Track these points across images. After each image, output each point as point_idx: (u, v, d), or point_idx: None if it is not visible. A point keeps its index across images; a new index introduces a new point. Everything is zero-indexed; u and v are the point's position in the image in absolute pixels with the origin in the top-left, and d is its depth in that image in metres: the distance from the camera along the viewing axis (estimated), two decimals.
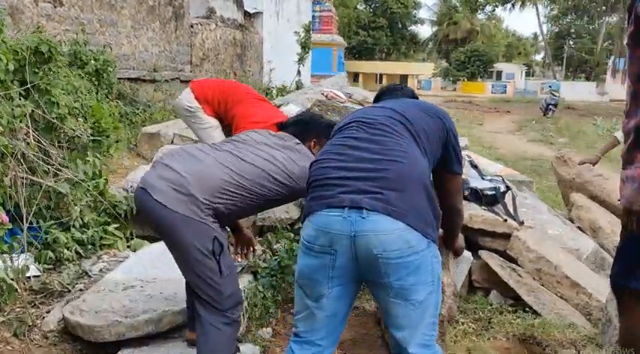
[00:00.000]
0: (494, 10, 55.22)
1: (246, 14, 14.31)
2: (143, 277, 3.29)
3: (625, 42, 2.05)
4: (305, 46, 15.05)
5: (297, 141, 2.61)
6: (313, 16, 23.34)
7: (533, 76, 66.36)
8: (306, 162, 2.39)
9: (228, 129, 3.95)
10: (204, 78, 11.23)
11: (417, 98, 2.54)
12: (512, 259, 4.09)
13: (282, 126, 3.49)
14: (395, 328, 1.95)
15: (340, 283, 1.97)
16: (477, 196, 4.26)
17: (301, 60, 14.90)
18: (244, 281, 3.57)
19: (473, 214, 4.19)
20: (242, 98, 4.00)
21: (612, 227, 4.43)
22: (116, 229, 4.14)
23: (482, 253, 4.05)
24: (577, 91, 41.47)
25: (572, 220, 4.83)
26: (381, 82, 47.30)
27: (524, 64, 62.29)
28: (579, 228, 4.65)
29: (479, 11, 54.77)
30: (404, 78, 49.44)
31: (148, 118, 7.54)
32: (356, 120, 2.19)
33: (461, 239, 2.78)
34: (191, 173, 2.28)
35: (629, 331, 2.13)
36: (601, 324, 3.34)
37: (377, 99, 2.60)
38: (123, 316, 2.83)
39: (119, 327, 2.78)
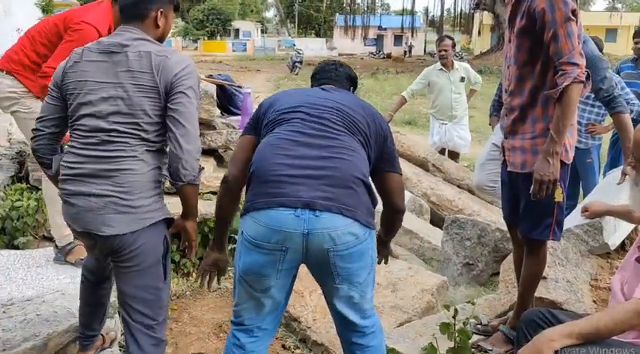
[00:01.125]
0: None
1: None
2: None
3: (512, 32, 2.41)
4: (46, 9, 13.49)
5: (127, 40, 2.11)
6: None
7: (266, 33, 69.10)
8: (151, 47, 2.09)
9: None
10: None
11: (354, 77, 2.51)
12: None
13: None
14: (339, 307, 2.09)
15: (287, 274, 2.05)
16: None
17: None
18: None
19: None
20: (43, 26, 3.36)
21: (417, 177, 5.12)
22: None
23: None
24: (311, 48, 44.59)
25: None
26: None
27: (258, 22, 64.36)
28: None
29: None
30: None
31: None
32: (301, 111, 2.15)
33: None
34: (113, 186, 2.01)
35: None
36: (441, 262, 3.94)
37: (312, 80, 2.50)
38: (0, 349, 2.45)
39: None
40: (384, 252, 2.50)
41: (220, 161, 4.50)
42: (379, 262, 2.44)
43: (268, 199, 1.93)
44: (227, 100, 4.39)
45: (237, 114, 4.35)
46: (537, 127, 2.34)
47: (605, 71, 2.98)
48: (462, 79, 5.92)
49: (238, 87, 4.42)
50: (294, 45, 37.25)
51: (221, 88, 4.37)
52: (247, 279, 2.04)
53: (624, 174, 2.95)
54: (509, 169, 2.48)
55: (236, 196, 2.20)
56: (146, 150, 2.07)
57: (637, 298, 1.68)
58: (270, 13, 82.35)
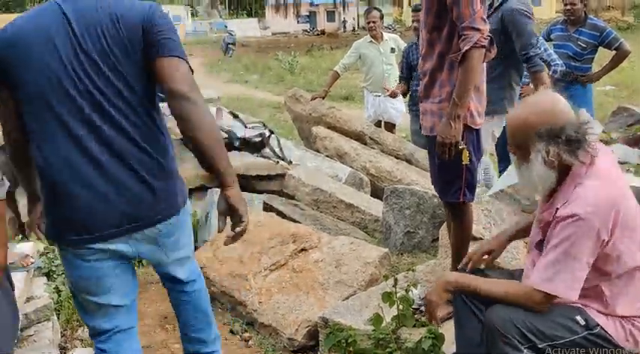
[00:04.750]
0: None
1: None
2: None
3: None
4: None
5: None
6: None
7: (197, 16, 67.46)
8: None
9: None
10: None
11: None
12: (289, 196, 4.47)
13: None
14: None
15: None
16: (247, 144, 4.47)
17: None
18: (39, 284, 3.19)
19: (248, 162, 4.41)
20: None
21: (356, 151, 5.14)
22: None
23: (263, 197, 4.33)
24: (243, 29, 43.79)
25: (318, 151, 5.40)
26: None
27: (187, 5, 62.63)
28: (327, 156, 5.25)
29: None
30: None
31: None
32: (59, 115, 1.74)
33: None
34: None
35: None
36: (382, 233, 3.98)
37: None
38: None
39: None
40: (231, 202, 1.78)
41: None
42: (236, 226, 1.82)
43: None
44: None
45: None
46: (443, 91, 2.40)
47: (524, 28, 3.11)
48: (393, 50, 5.94)
49: None
50: (226, 27, 36.53)
51: None
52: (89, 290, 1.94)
53: None
54: (422, 132, 2.54)
55: (18, 152, 1.91)
56: None
57: (532, 288, 1.79)
58: None
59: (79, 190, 1.75)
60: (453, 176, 2.44)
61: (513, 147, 1.87)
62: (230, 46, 23.93)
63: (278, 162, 4.44)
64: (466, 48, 2.20)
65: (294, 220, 4.14)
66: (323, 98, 5.83)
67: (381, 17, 5.93)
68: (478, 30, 2.20)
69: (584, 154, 1.75)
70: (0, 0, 41.63)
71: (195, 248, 3.84)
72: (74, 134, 1.74)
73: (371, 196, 4.75)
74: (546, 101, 1.83)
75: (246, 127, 4.67)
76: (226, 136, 4.61)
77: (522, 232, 2.26)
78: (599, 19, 5.38)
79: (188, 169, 4.47)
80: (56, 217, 1.82)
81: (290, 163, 4.57)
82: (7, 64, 1.73)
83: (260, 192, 4.43)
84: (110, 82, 1.74)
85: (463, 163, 2.36)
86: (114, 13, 1.75)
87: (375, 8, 6.12)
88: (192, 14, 61.70)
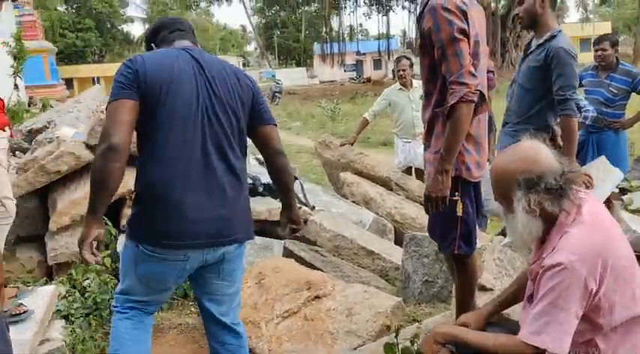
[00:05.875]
0: (209, 6, 55.82)
1: None
2: None
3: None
4: (18, 56, 13.67)
5: None
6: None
7: (248, 66, 69.67)
8: None
9: None
10: None
11: (192, 31, 2.38)
12: (311, 242, 4.45)
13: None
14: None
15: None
16: (270, 190, 4.50)
17: (17, 72, 13.57)
18: (57, 327, 3.25)
19: (271, 208, 4.43)
20: None
21: (382, 197, 5.10)
22: None
23: (287, 243, 4.32)
24: (292, 78, 45.02)
25: (345, 196, 5.40)
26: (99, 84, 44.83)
27: (240, 56, 64.91)
28: (354, 202, 5.23)
29: (193, 7, 54.92)
30: None
31: None
32: (200, 137, 2.09)
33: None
34: None
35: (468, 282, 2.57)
36: (401, 282, 3.89)
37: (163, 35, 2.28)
38: None
39: None
40: (292, 216, 2.49)
41: None
42: (294, 232, 2.56)
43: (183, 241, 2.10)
44: None
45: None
46: (438, 142, 2.38)
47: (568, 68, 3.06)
48: (422, 97, 5.94)
49: None
50: (274, 76, 37.56)
51: None
52: (146, 281, 2.22)
53: None
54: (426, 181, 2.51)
55: (124, 164, 2.01)
56: None
57: (520, 341, 1.72)
58: (251, 47, 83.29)
59: (187, 206, 2.05)
60: (449, 227, 2.39)
61: (498, 197, 1.82)
62: (277, 94, 24.54)
63: (301, 208, 4.45)
64: (452, 102, 2.18)
65: (315, 267, 4.11)
66: (352, 144, 5.86)
67: (411, 65, 5.98)
68: (465, 85, 2.17)
69: (568, 203, 1.69)
70: (63, 52, 44.28)
71: None
72: (194, 157, 2.07)
73: (395, 243, 4.68)
74: (527, 149, 1.78)
75: None
76: (252, 182, 4.67)
77: (507, 302, 2.16)
78: (632, 65, 5.26)
79: None
80: (158, 226, 2.06)
81: (313, 208, 4.57)
82: (154, 84, 2.02)
83: (282, 238, 4.42)
84: (230, 121, 2.15)
85: (457, 214, 2.31)
86: (237, 73, 2.23)
87: (405, 57, 6.19)
88: (244, 64, 63.90)
